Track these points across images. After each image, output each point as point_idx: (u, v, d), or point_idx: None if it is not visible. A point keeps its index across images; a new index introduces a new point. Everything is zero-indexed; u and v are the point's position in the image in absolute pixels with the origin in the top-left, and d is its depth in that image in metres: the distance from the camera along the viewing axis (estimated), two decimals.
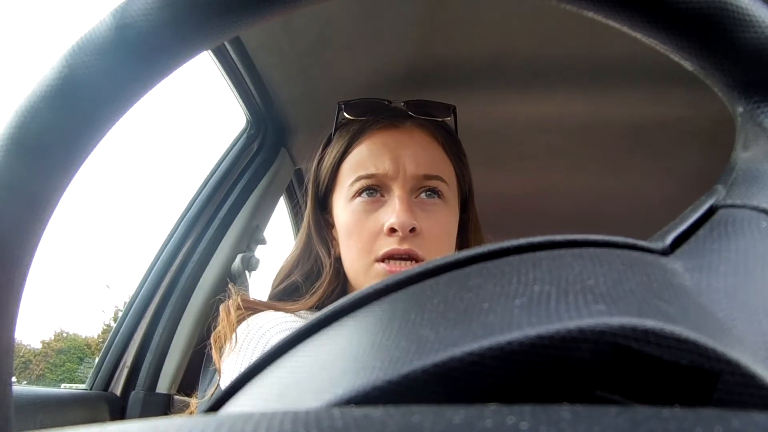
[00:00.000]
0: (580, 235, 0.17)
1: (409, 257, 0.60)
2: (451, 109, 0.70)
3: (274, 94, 0.98)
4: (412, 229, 0.60)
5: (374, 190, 0.64)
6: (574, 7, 0.20)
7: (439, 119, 0.68)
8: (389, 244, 0.60)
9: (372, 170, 0.63)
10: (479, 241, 0.71)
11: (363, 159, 0.64)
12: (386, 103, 0.68)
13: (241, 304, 0.61)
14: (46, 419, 0.66)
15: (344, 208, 0.65)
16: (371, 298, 0.18)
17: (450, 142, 0.68)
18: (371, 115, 0.66)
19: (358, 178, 0.64)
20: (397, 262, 0.60)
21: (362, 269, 0.62)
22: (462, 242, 0.69)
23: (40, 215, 0.19)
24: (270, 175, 1.02)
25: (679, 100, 0.98)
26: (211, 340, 0.61)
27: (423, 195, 0.63)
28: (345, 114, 0.68)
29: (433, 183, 0.63)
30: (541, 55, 0.93)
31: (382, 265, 0.60)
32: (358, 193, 0.64)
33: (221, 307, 0.63)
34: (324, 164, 0.69)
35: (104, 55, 0.19)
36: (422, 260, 0.60)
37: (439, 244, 0.62)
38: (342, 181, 0.66)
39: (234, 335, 0.59)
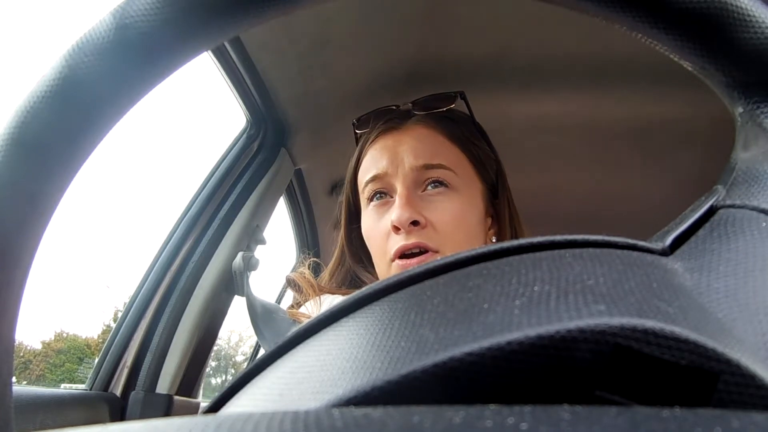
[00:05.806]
0: (580, 236, 0.17)
1: (420, 250, 0.60)
2: (458, 96, 0.68)
3: (274, 94, 0.98)
4: (415, 222, 0.60)
5: (382, 193, 0.65)
6: (574, 9, 0.20)
7: (443, 108, 0.67)
8: (398, 242, 0.61)
9: (374, 172, 0.65)
10: (517, 233, 0.69)
11: (368, 166, 0.66)
12: (394, 108, 0.69)
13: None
14: (46, 419, 0.66)
15: (363, 215, 0.67)
16: (371, 299, 0.18)
17: (455, 129, 0.66)
18: (377, 123, 0.68)
19: (366, 184, 0.66)
20: (411, 258, 0.60)
21: (384, 270, 0.64)
22: (499, 232, 0.67)
23: (40, 215, 0.19)
24: (270, 175, 1.01)
25: (679, 100, 0.98)
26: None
27: (429, 188, 0.63)
28: (356, 130, 0.70)
29: (436, 173, 0.62)
30: (541, 55, 0.93)
31: (397, 263, 0.61)
32: (370, 199, 0.66)
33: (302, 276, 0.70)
34: (347, 179, 0.72)
35: (104, 55, 0.19)
36: (435, 251, 0.60)
37: (454, 233, 0.60)
38: (360, 191, 0.68)
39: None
